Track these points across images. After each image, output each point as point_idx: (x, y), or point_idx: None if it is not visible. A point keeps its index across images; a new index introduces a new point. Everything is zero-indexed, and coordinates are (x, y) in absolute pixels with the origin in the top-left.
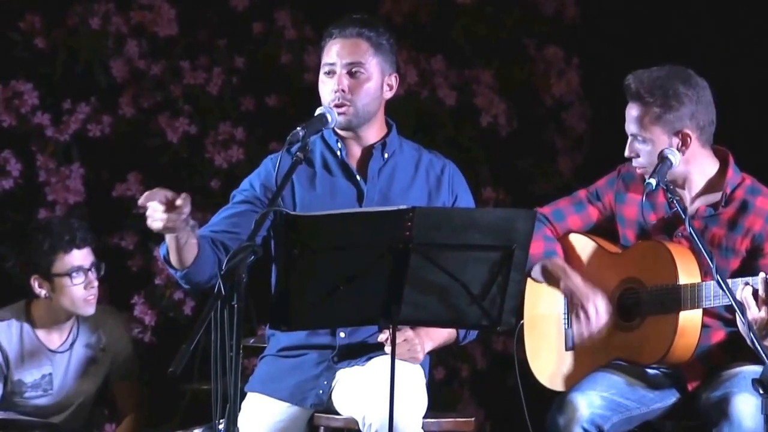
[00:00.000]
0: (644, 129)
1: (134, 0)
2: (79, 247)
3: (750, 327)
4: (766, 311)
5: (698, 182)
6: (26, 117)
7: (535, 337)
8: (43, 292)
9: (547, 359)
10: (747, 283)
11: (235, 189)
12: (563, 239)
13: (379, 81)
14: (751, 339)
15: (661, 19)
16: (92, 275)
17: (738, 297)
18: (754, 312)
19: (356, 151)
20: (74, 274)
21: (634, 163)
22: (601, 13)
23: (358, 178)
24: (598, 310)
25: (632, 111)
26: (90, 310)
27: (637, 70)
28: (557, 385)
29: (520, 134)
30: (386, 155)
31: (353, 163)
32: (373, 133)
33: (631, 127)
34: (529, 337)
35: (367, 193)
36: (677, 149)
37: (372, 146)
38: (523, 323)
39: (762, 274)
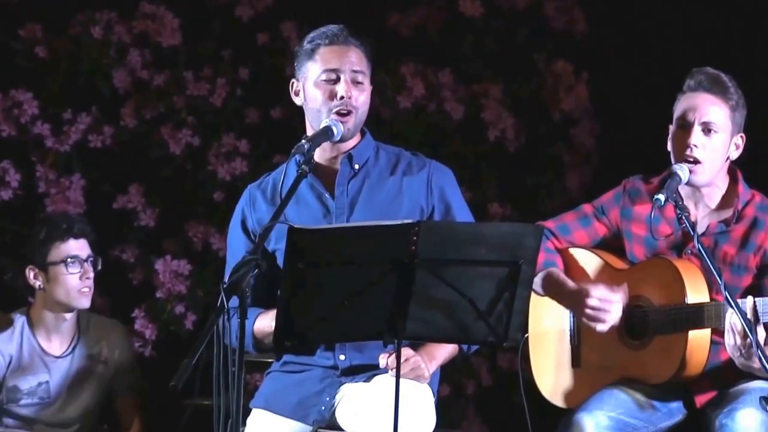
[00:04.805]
0: (720, 121)
1: (137, 9)
2: (75, 237)
3: (758, 345)
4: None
5: (715, 197)
6: (26, 127)
7: (541, 353)
8: (38, 284)
9: (553, 376)
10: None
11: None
12: (567, 254)
13: (370, 91)
14: (759, 357)
15: (671, 34)
16: (88, 266)
17: (729, 319)
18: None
19: (329, 166)
20: (70, 262)
21: (695, 153)
22: (611, 28)
23: (326, 195)
24: (606, 298)
25: (709, 101)
26: (85, 303)
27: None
28: (563, 402)
29: (528, 149)
30: (357, 165)
31: (324, 179)
32: (352, 144)
33: (705, 116)
34: (535, 352)
35: (335, 208)
36: (730, 154)
37: (339, 158)
38: (527, 338)
39: (750, 298)
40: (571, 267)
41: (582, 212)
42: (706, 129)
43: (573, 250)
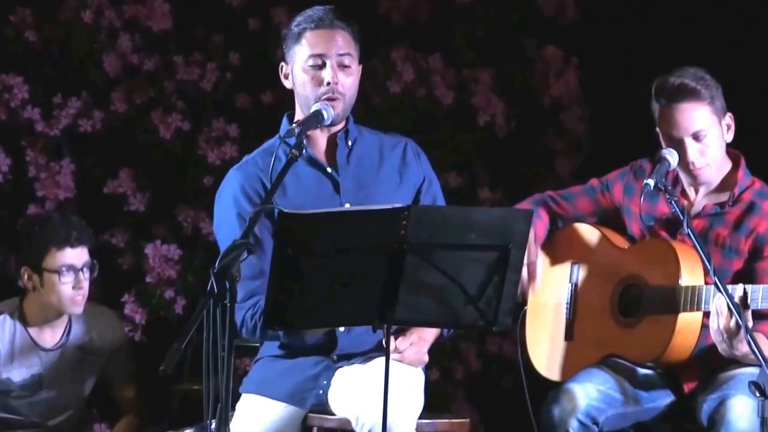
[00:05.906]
0: (705, 123)
1: None
2: (72, 246)
3: (747, 328)
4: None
5: (715, 179)
6: (16, 111)
7: (537, 325)
8: (31, 285)
9: (546, 347)
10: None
11: None
12: (571, 228)
13: (359, 73)
14: (748, 341)
15: (661, 19)
16: (83, 275)
17: (715, 303)
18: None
19: (321, 144)
20: (64, 272)
21: (699, 164)
22: (602, 13)
23: (329, 170)
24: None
25: (688, 110)
26: (77, 310)
27: (666, 76)
28: (552, 374)
29: (518, 135)
30: (350, 142)
31: (321, 156)
32: (341, 127)
33: (691, 127)
34: (531, 324)
35: (342, 182)
36: (726, 134)
37: (335, 135)
38: (526, 309)
39: (741, 285)
40: (575, 242)
41: (589, 185)
42: (697, 138)
43: (576, 225)
